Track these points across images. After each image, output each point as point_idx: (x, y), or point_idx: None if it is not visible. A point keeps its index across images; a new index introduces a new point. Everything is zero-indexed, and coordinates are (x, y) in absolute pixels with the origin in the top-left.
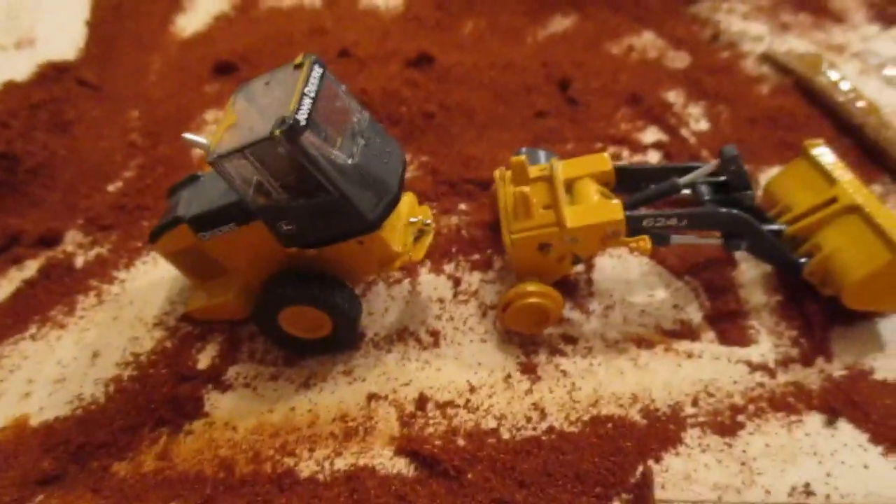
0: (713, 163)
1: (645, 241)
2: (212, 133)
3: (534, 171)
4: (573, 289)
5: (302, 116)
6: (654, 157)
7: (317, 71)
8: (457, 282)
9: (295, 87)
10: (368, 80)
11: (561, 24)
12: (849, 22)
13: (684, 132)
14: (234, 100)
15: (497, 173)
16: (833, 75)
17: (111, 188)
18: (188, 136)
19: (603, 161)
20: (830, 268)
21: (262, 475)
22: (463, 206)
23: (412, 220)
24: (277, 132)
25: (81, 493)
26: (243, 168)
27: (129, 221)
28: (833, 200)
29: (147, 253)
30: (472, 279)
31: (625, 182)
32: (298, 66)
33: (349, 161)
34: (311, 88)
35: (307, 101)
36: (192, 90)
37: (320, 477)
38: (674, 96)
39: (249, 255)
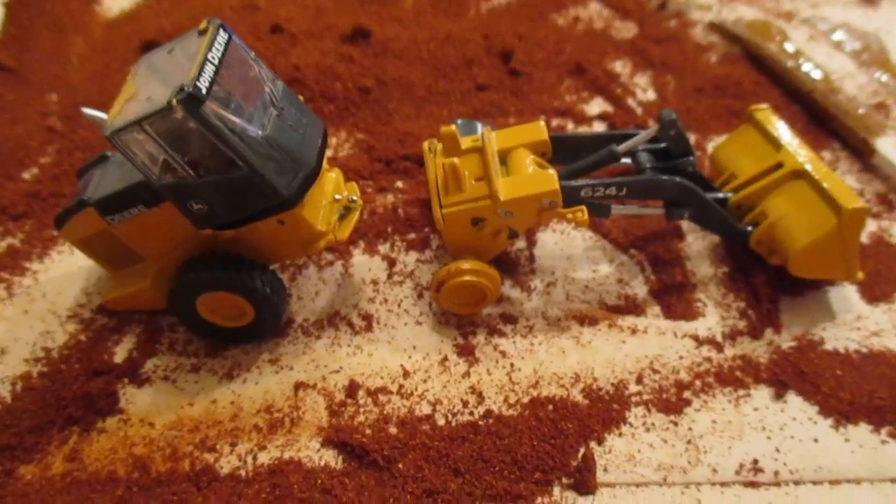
0: (652, 129)
1: (583, 213)
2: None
3: (466, 143)
4: (514, 265)
5: (203, 83)
6: (599, 129)
7: (222, 36)
8: (392, 262)
9: (197, 55)
10: (302, 56)
11: None
12: None
13: (630, 102)
14: (135, 70)
15: (426, 145)
16: (782, 42)
17: (26, 175)
18: (87, 110)
19: (538, 130)
20: (777, 235)
21: (179, 473)
22: (399, 184)
23: (337, 196)
24: (175, 101)
25: None
26: (146, 143)
27: (44, 210)
28: (779, 166)
29: (63, 242)
30: (408, 259)
31: (562, 151)
32: (203, 32)
33: (260, 133)
34: (215, 55)
35: (209, 68)
36: (117, 72)
37: (242, 473)
38: (620, 66)
39: (162, 239)
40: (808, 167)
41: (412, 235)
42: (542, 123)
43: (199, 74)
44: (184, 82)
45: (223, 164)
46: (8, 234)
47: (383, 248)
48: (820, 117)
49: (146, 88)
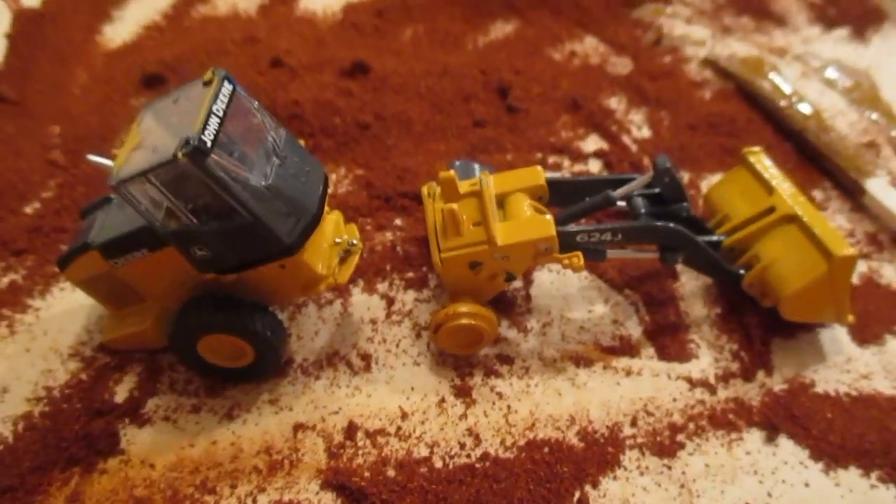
0: (647, 175)
1: (578, 258)
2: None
3: (464, 186)
4: (510, 305)
5: (208, 136)
6: (595, 166)
7: (226, 88)
8: (390, 301)
9: (202, 105)
10: (301, 90)
11: (501, 30)
12: (790, 24)
13: (626, 139)
14: (140, 118)
15: (425, 189)
16: (775, 79)
17: (27, 209)
18: (93, 157)
19: (536, 174)
20: (768, 279)
21: None
22: (398, 222)
23: (337, 240)
24: (181, 154)
25: None
26: (150, 191)
27: (46, 245)
28: (771, 210)
29: (64, 280)
30: (407, 298)
31: (559, 195)
32: (208, 83)
33: (262, 182)
34: (220, 106)
35: (214, 121)
36: (118, 104)
37: None
38: (615, 102)
39: (165, 281)
40: (799, 212)
41: (410, 274)
42: (539, 168)
43: (205, 127)
44: (189, 135)
45: (226, 212)
46: (10, 270)
47: (382, 286)
48: (812, 156)
49: (151, 138)
